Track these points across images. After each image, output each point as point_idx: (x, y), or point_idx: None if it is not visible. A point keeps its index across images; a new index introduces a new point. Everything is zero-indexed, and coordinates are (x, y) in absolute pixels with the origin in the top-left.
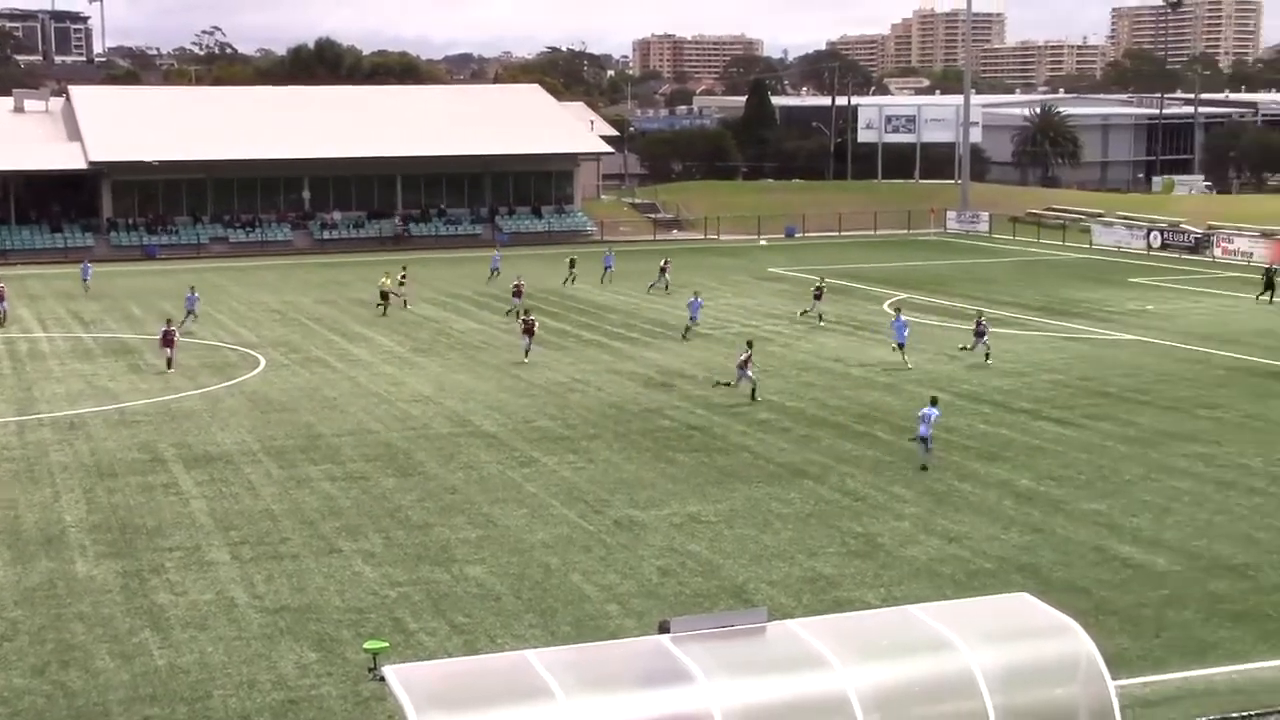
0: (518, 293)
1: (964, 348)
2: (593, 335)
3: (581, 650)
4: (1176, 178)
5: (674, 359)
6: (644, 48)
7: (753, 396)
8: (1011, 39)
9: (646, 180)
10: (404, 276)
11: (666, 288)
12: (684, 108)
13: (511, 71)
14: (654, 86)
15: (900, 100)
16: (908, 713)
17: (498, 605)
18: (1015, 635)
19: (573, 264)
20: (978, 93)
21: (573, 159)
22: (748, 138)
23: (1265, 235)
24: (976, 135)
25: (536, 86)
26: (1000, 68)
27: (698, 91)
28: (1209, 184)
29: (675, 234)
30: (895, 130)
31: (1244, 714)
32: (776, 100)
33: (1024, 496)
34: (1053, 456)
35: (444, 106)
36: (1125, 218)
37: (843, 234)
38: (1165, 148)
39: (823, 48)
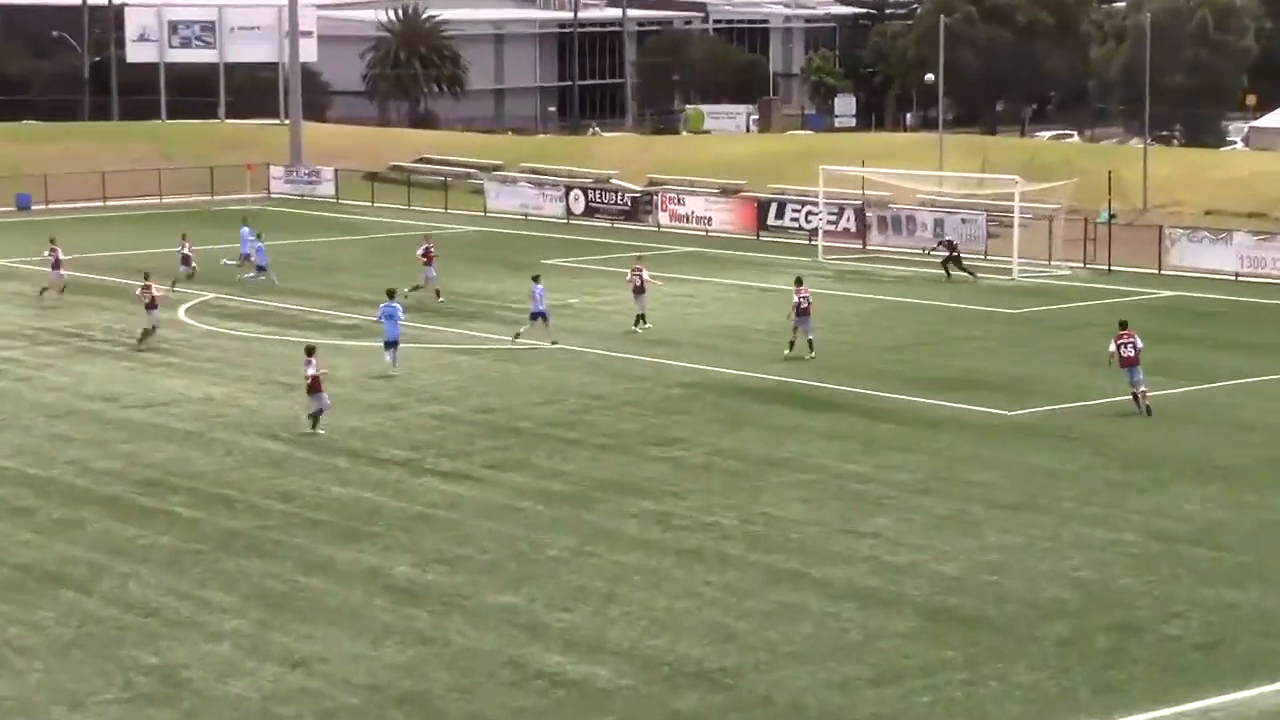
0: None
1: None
2: None
3: None
4: (706, 108)
5: None
6: None
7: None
8: None
9: None
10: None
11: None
12: None
13: None
14: None
15: (192, 1)
16: None
17: None
18: None
19: None
20: None
21: None
22: None
23: (726, 192)
24: (311, 52)
25: None
26: None
27: None
28: (756, 116)
29: None
30: (185, 44)
31: None
32: None
33: (403, 591)
34: (443, 528)
35: None
36: (533, 171)
37: (110, 203)
38: (585, 69)
39: None
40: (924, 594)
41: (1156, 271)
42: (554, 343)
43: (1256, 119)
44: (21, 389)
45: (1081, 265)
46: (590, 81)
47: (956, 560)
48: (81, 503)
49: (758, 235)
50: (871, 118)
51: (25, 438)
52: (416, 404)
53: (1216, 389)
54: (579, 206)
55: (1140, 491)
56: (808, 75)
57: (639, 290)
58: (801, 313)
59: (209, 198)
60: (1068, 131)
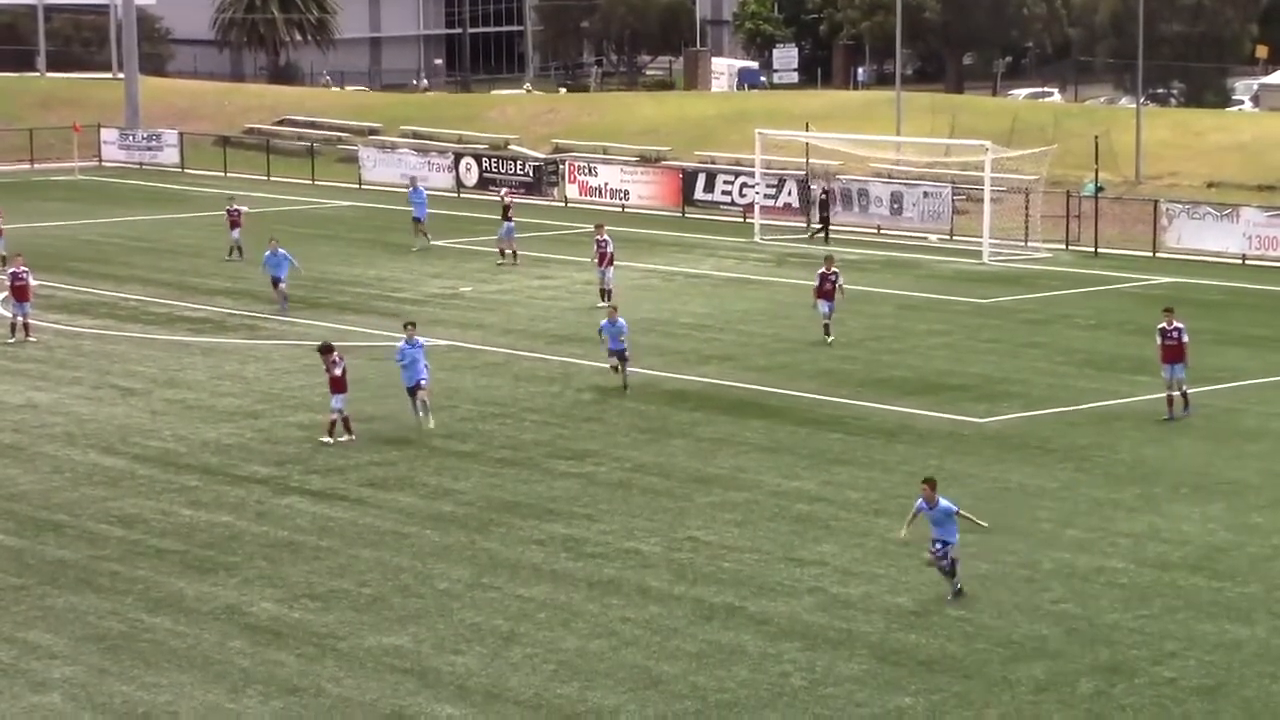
0: None
1: None
2: None
3: None
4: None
5: None
6: None
7: None
8: None
9: None
10: None
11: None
12: None
13: None
14: None
15: None
16: None
17: None
18: None
19: None
20: None
21: None
22: None
23: (645, 160)
24: None
25: None
26: None
27: None
28: (760, 67)
29: None
30: None
31: None
32: None
33: (266, 631)
34: (313, 558)
35: None
36: (418, 136)
37: None
38: (478, 14)
39: None
40: (878, 631)
41: (1151, 254)
42: None
43: (1267, 75)
44: None
45: (1063, 247)
46: (483, 29)
47: (916, 592)
48: None
49: (683, 211)
50: (817, 72)
51: None
52: (281, 411)
53: (1218, 392)
54: (471, 177)
55: (1130, 512)
56: (741, 22)
57: (604, 260)
58: (824, 294)
59: (28, 166)
60: (1047, 90)
